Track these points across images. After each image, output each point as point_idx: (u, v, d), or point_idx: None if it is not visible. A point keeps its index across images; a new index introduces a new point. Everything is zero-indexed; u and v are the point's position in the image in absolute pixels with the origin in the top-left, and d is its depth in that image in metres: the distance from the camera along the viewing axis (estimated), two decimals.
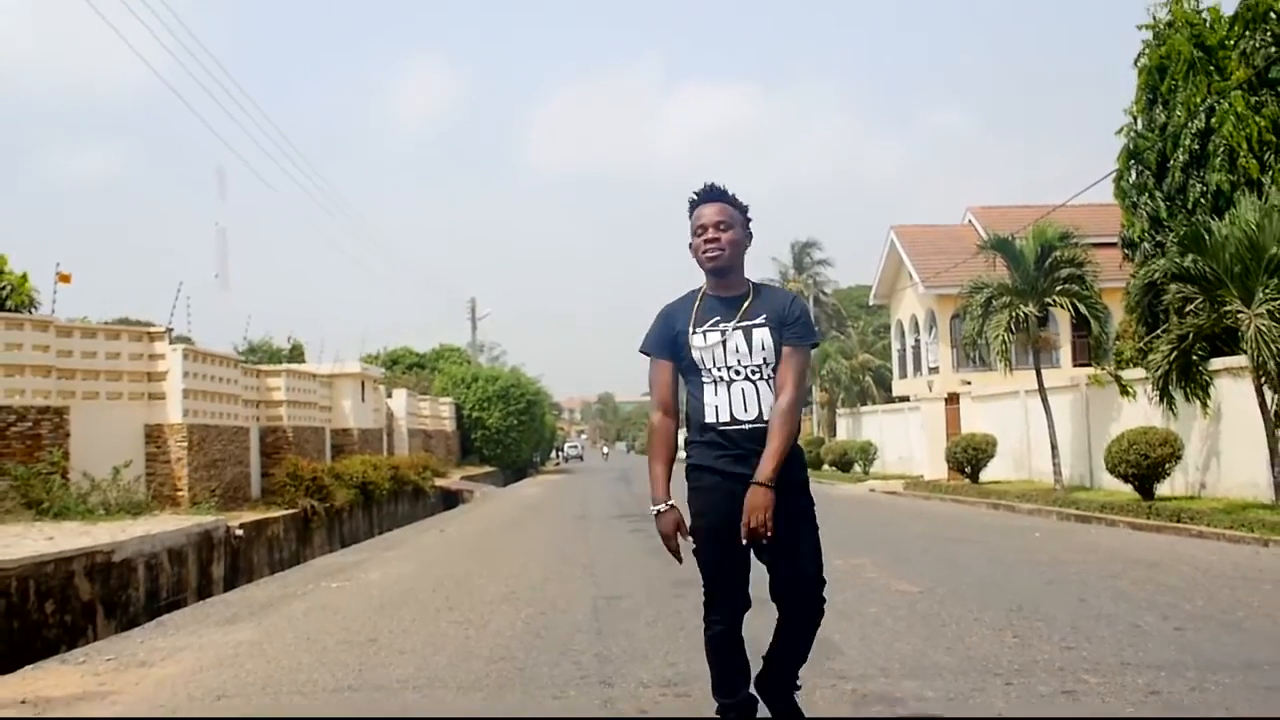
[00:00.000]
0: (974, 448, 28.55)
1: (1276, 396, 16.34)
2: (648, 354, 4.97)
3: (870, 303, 53.63)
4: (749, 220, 4.97)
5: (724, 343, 4.78)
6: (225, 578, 16.92)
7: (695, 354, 4.80)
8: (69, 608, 12.24)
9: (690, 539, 4.77)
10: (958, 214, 46.06)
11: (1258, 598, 9.79)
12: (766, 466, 4.54)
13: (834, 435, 48.94)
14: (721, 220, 4.85)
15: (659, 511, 4.73)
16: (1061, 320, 32.08)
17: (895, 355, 48.12)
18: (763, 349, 4.77)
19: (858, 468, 40.83)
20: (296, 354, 36.72)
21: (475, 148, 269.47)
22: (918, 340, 44.26)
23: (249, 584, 16.05)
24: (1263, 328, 15.71)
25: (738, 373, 4.76)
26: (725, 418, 4.73)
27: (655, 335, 4.96)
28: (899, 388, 46.18)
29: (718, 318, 4.81)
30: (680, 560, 4.85)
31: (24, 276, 21.65)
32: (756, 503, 4.50)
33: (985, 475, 28.64)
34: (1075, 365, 35.80)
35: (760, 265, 66.51)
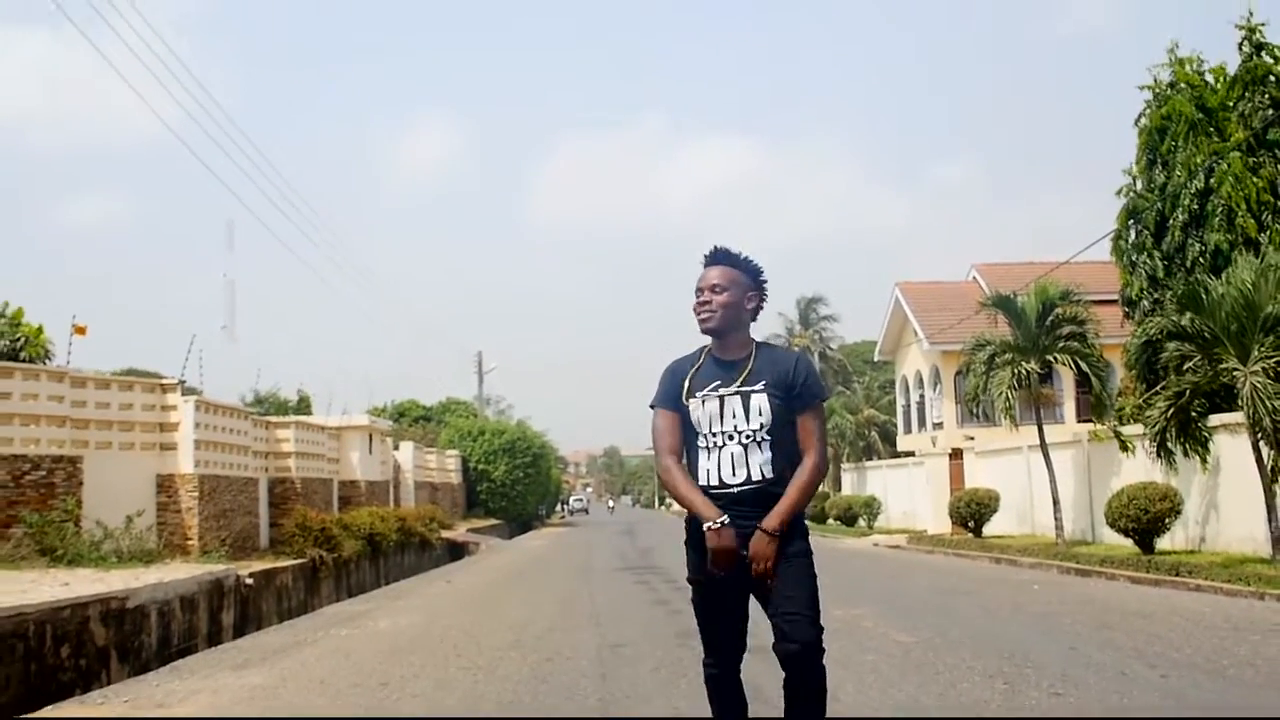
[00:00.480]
0: (977, 502, 28.78)
1: (1272, 453, 16.56)
2: (655, 407, 4.97)
3: (875, 359, 53.97)
4: (762, 283, 4.98)
5: (721, 409, 4.79)
6: (235, 625, 17.18)
7: (693, 417, 4.81)
8: (84, 652, 12.51)
9: (692, 586, 4.81)
10: (965, 267, 46.43)
11: (1244, 648, 10.02)
12: (773, 517, 4.58)
13: (839, 490, 49.07)
14: (718, 283, 4.88)
15: (715, 528, 4.57)
16: (1065, 377, 32.33)
17: (900, 411, 48.36)
18: (760, 414, 4.76)
19: (862, 522, 41.00)
20: (304, 406, 37.09)
21: (480, 201, 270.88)
22: (922, 396, 44.52)
23: (259, 631, 16.33)
24: (1258, 385, 15.96)
25: (730, 437, 4.76)
26: (714, 481, 4.72)
27: (663, 389, 4.96)
28: (904, 443, 46.39)
29: (717, 382, 4.83)
30: (722, 574, 4.64)
31: (39, 328, 22.06)
32: (759, 551, 4.54)
33: (988, 530, 28.83)
34: (1079, 421, 35.97)
35: (767, 320, 66.83)
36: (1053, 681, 8.30)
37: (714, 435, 4.76)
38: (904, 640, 10.89)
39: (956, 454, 35.29)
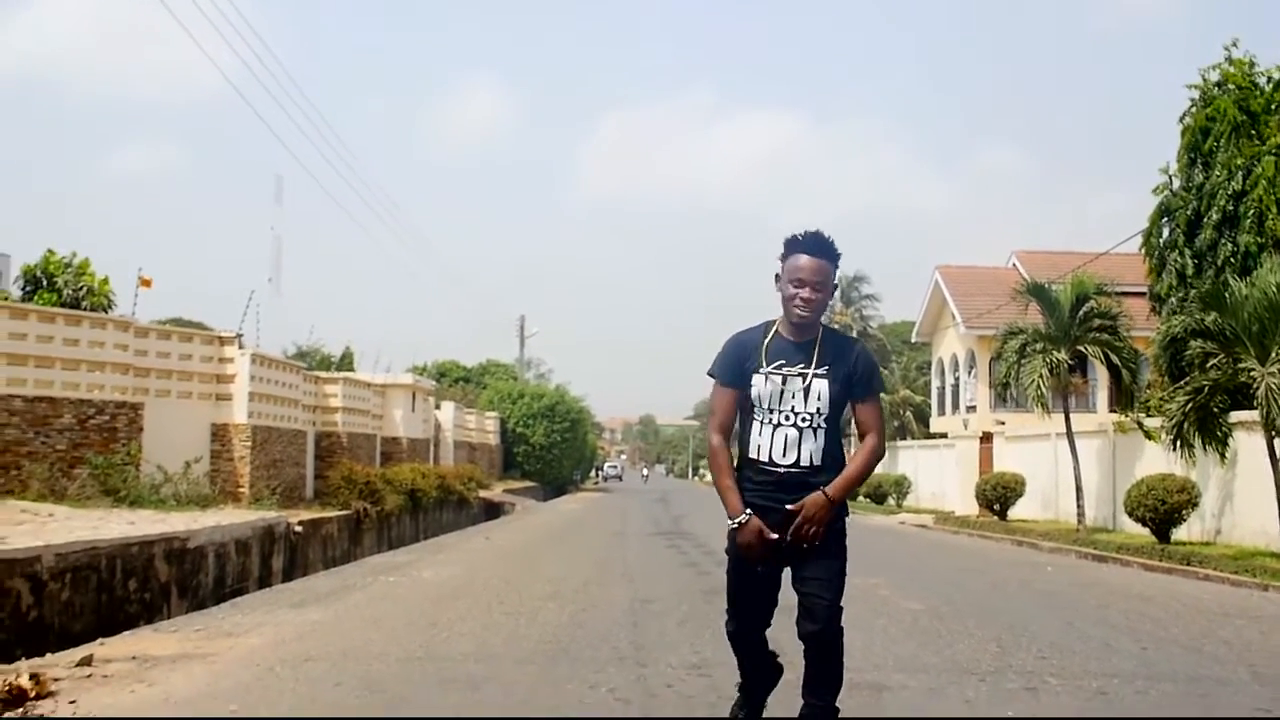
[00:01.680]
0: (1003, 486, 29.34)
1: None
2: (715, 377, 5.06)
3: (913, 340, 54.35)
4: (837, 269, 5.00)
5: (783, 388, 4.91)
6: (284, 570, 18.06)
7: (754, 391, 4.94)
8: (148, 586, 13.39)
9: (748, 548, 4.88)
10: (1005, 252, 46.75)
11: (1228, 630, 10.71)
12: (839, 484, 4.83)
13: None
14: (819, 280, 4.90)
15: (739, 524, 4.84)
16: (1099, 367, 32.75)
17: (935, 392, 48.82)
18: (819, 399, 4.91)
19: (892, 500, 41.51)
20: (347, 362, 37.72)
21: (528, 168, 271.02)
22: (957, 379, 44.96)
23: (305, 577, 17.20)
24: (1274, 385, 16.49)
25: (787, 418, 4.91)
26: (765, 458, 4.90)
27: (725, 362, 5.04)
28: (937, 424, 46.87)
29: (783, 361, 4.93)
30: (759, 570, 4.94)
31: (105, 279, 22.89)
32: (816, 514, 4.78)
33: (1013, 513, 29.37)
34: (1111, 410, 36.38)
35: None
36: (1042, 648, 9.07)
37: (771, 412, 4.93)
38: (914, 608, 11.66)
39: (987, 438, 35.77)
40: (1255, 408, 17.27)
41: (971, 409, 42.48)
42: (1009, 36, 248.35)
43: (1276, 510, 17.28)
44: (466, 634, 9.49)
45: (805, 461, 4.89)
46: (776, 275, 5.00)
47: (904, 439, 50.21)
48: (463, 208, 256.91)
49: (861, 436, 4.99)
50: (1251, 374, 17.00)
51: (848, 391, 4.97)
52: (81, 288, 22.36)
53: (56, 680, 7.09)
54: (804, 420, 4.90)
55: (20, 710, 6.35)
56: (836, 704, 5.00)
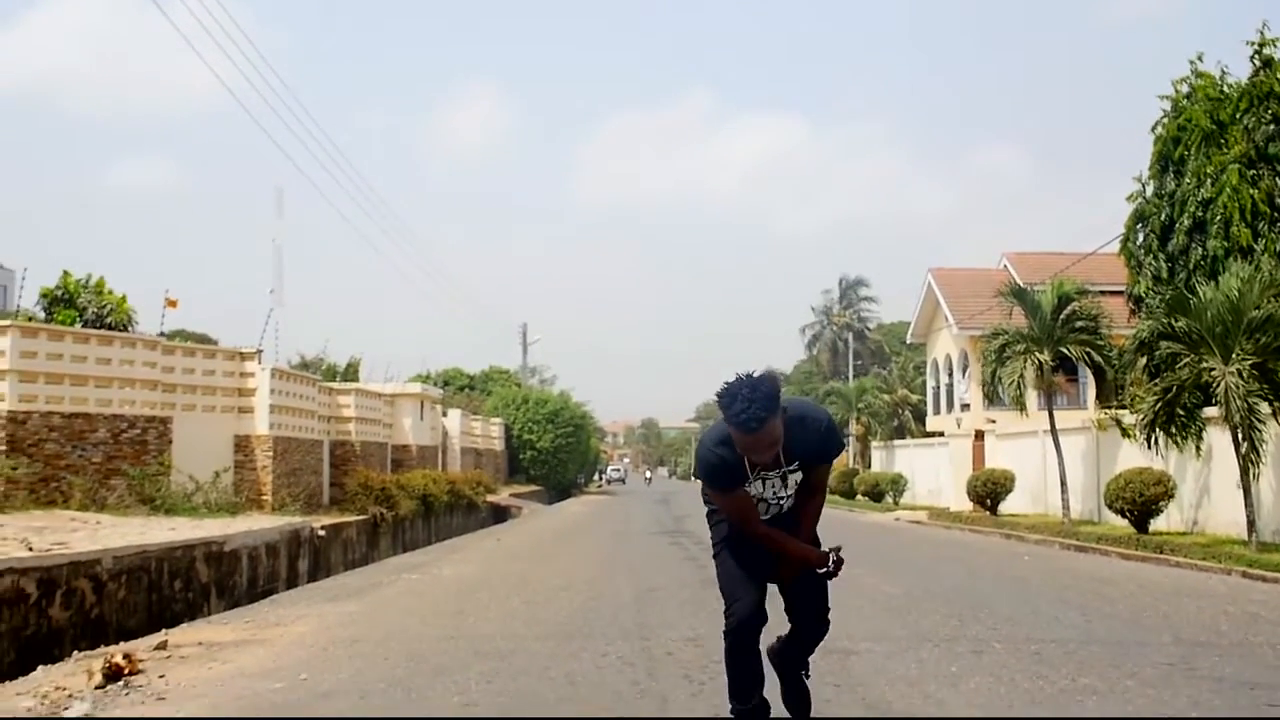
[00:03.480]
0: (993, 482, 30.41)
1: (1247, 445, 18.18)
2: (721, 489, 5.32)
3: (908, 340, 55.44)
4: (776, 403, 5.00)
5: (763, 486, 5.30)
6: (309, 571, 19.28)
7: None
8: (191, 587, 14.63)
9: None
10: (999, 254, 47.84)
11: (1170, 606, 11.86)
12: (808, 553, 5.33)
13: (869, 467, 50.66)
14: (766, 441, 4.98)
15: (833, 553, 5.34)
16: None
17: (930, 392, 49.88)
18: (795, 484, 5.36)
19: (888, 498, 42.49)
20: (352, 371, 38.57)
21: (525, 176, 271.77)
22: (951, 378, 46.04)
23: (330, 577, 18.39)
24: (1232, 384, 17.62)
25: (770, 502, 5.37)
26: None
27: (729, 478, 5.23)
28: (932, 423, 47.91)
29: (760, 469, 5.22)
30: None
31: (123, 298, 23.99)
32: (801, 555, 5.32)
33: (1004, 508, 30.42)
34: (1100, 408, 37.45)
35: (807, 298, 68.23)
36: (997, 621, 10.30)
37: (757, 502, 5.34)
38: (891, 591, 12.90)
39: (979, 436, 36.86)
40: (1218, 404, 18.35)
41: (965, 408, 43.45)
42: (1010, 30, 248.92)
43: (1242, 501, 18.38)
44: (490, 619, 10.71)
45: (781, 512, 5.43)
46: (734, 437, 5.08)
47: (903, 438, 51.26)
48: (464, 217, 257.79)
49: (812, 492, 5.43)
50: (1213, 373, 18.10)
51: (815, 461, 5.39)
52: (105, 306, 23.47)
53: (141, 661, 8.23)
54: (785, 500, 5.38)
55: (121, 683, 7.50)
56: (808, 661, 5.70)
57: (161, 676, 7.77)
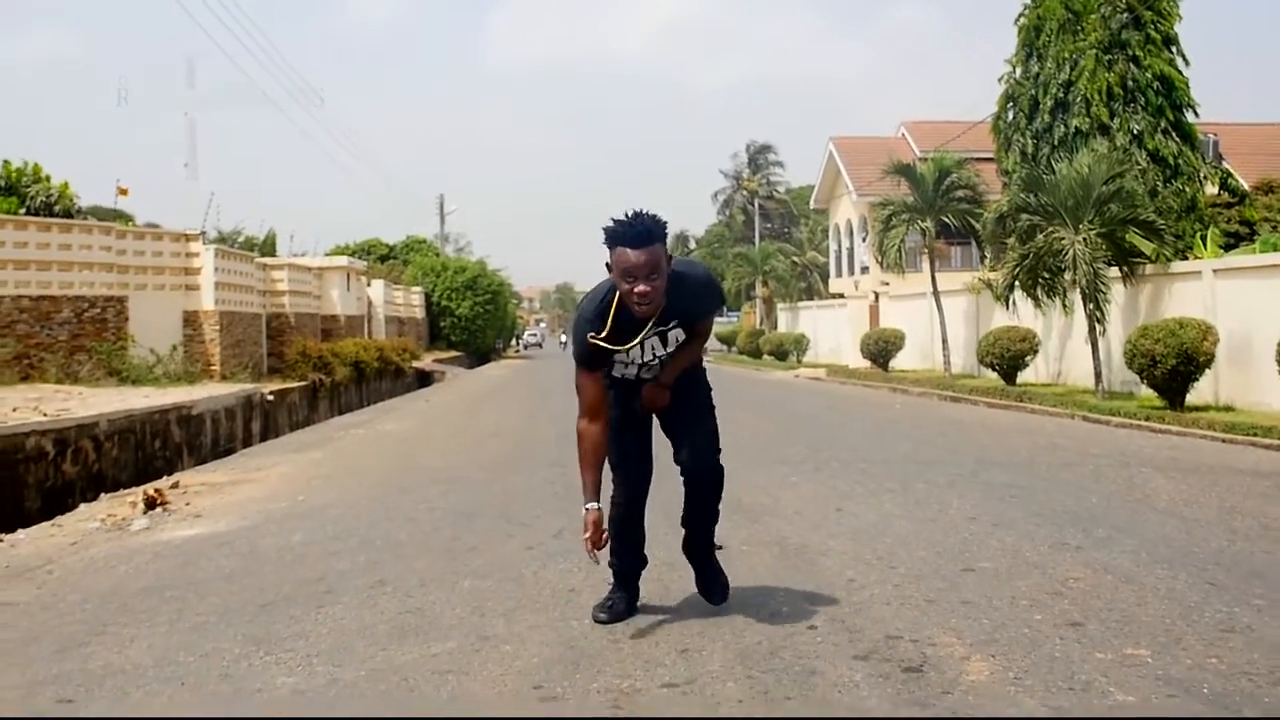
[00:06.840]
0: (885, 340, 32.87)
1: (1092, 305, 20.61)
2: (578, 362, 5.06)
3: (812, 206, 57.40)
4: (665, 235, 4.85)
5: (642, 348, 5.06)
6: (260, 433, 21.41)
7: (616, 368, 5.18)
8: (168, 446, 16.78)
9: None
10: (906, 116, 50.04)
11: (995, 440, 14.24)
12: (667, 375, 5.22)
13: (775, 328, 52.79)
14: (654, 271, 4.77)
15: (593, 510, 4.99)
16: None
17: (832, 256, 52.30)
18: (676, 342, 5.15)
19: (792, 357, 44.99)
20: (269, 244, 39.17)
21: (435, 39, 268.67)
22: (851, 243, 48.41)
23: (280, 437, 20.53)
24: (1080, 252, 20.03)
25: (650, 361, 5.16)
26: (632, 376, 5.27)
27: (582, 349, 5.04)
28: (835, 286, 50.39)
29: (636, 328, 4.96)
30: (597, 562, 5.24)
31: (65, 184, 25.48)
32: (653, 395, 5.25)
33: (894, 365, 32.84)
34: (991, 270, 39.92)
35: (716, 162, 69.54)
36: (841, 449, 12.88)
37: (635, 364, 5.18)
38: (768, 430, 15.51)
39: (876, 298, 39.44)
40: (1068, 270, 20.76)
41: (864, 271, 45.68)
42: None
43: (1091, 355, 20.89)
44: (436, 458, 13.11)
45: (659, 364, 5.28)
46: (607, 264, 4.91)
47: (812, 299, 53.61)
48: (376, 85, 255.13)
49: (691, 337, 5.23)
50: (1063, 241, 20.52)
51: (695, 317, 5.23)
52: (52, 193, 25.00)
53: (166, 495, 10.42)
54: (666, 357, 5.21)
55: (160, 509, 9.70)
56: (715, 537, 5.63)
57: (188, 504, 9.97)
